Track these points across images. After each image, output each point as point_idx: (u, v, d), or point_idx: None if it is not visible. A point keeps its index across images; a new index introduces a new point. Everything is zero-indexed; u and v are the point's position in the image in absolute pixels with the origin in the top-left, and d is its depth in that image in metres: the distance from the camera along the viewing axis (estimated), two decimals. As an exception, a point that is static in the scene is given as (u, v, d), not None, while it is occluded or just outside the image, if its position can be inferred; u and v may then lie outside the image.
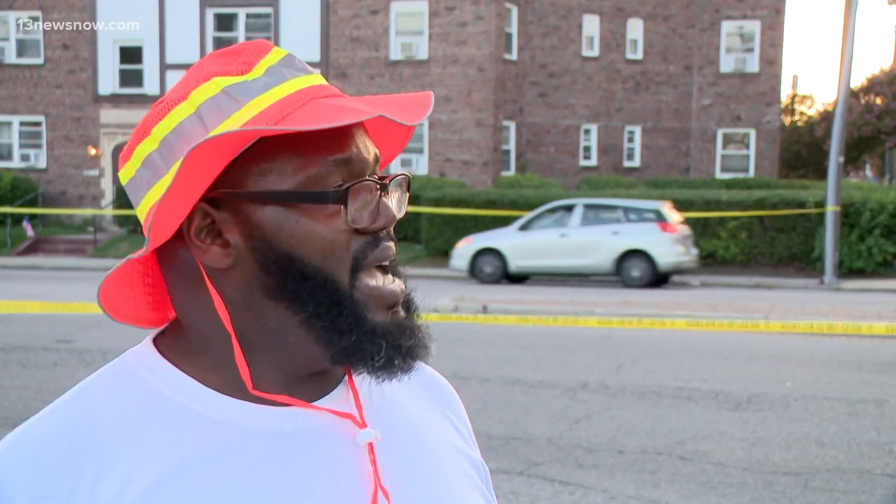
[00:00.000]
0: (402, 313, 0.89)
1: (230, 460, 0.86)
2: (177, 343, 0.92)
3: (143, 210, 0.89)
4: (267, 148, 0.85)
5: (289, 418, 0.89)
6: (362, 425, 0.91)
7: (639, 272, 15.84)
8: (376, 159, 0.91)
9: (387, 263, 0.89)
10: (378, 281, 0.88)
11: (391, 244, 0.89)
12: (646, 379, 7.89)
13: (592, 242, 16.00)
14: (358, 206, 0.87)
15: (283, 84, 0.88)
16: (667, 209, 16.27)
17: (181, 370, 0.90)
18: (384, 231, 0.88)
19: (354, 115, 0.83)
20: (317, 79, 0.91)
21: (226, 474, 0.85)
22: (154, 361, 0.91)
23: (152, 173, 0.87)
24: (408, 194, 0.94)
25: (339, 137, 0.86)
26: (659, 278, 16.06)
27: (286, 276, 0.85)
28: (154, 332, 0.95)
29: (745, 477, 5.37)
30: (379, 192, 0.88)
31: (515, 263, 16.41)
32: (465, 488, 0.98)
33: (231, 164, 0.85)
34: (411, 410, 1.00)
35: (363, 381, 0.96)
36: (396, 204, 0.91)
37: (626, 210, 16.27)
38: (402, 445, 0.95)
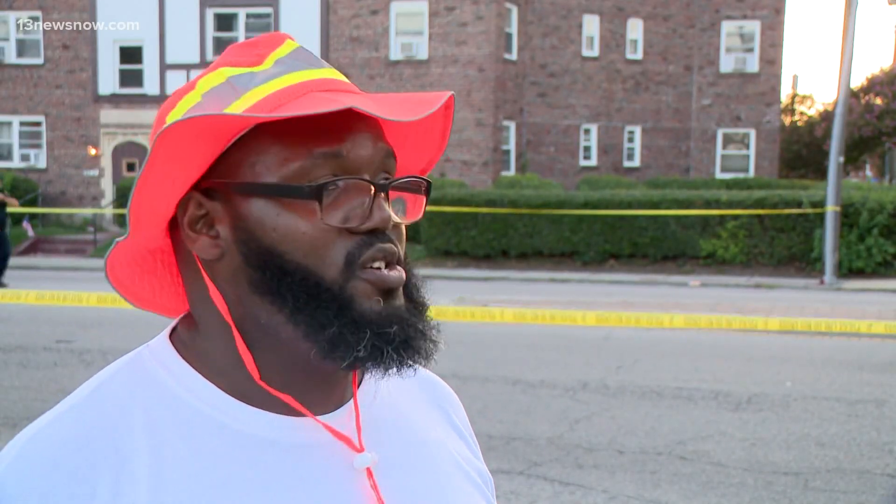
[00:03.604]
0: (398, 302, 0.85)
1: (244, 471, 0.85)
2: (191, 341, 0.91)
3: None
4: (258, 139, 0.84)
5: (298, 431, 0.88)
6: (359, 449, 0.89)
7: None
8: (387, 157, 0.88)
9: (378, 265, 0.85)
10: (376, 271, 0.84)
11: (388, 245, 0.85)
12: (646, 379, 7.89)
13: None
14: (348, 204, 0.84)
15: (286, 75, 0.86)
16: None
17: (195, 369, 0.89)
18: (381, 232, 0.85)
19: (332, 105, 0.80)
20: (327, 72, 0.89)
21: (237, 484, 0.84)
22: (171, 360, 0.90)
23: None
24: (424, 197, 0.91)
25: (330, 131, 0.84)
26: None
27: (266, 270, 0.83)
28: (169, 327, 0.94)
29: (745, 477, 5.37)
30: (374, 191, 0.85)
31: None
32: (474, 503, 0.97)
33: (226, 154, 0.85)
34: (419, 422, 0.98)
35: (372, 395, 0.95)
36: (404, 206, 0.89)
37: None
38: (409, 462, 0.93)
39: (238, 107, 0.85)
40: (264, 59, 0.88)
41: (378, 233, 0.85)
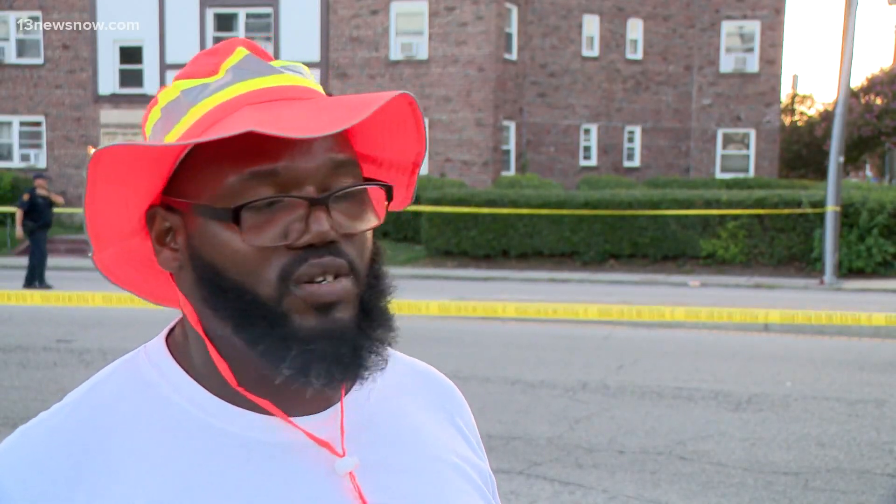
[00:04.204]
0: (339, 315, 0.83)
1: (229, 470, 0.85)
2: (181, 343, 0.92)
3: None
4: (201, 156, 0.84)
5: (282, 431, 0.88)
6: (340, 454, 0.88)
7: None
8: (338, 166, 0.85)
9: (320, 280, 0.82)
10: (311, 286, 0.82)
11: (325, 259, 0.82)
12: (646, 379, 7.89)
13: None
14: (285, 220, 0.82)
15: (229, 87, 0.86)
16: None
17: (185, 370, 0.90)
18: (320, 246, 0.82)
19: (241, 126, 0.77)
20: (275, 79, 0.87)
21: (220, 483, 0.85)
22: (163, 361, 0.91)
23: None
24: (386, 203, 0.88)
25: (266, 148, 0.81)
26: None
27: (211, 286, 0.84)
28: (166, 328, 0.96)
29: (745, 477, 5.37)
30: (308, 206, 0.82)
31: None
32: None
33: (179, 171, 0.86)
34: (418, 422, 0.98)
35: (367, 395, 0.95)
36: (345, 217, 0.84)
37: None
38: (402, 462, 0.93)
39: (184, 123, 0.86)
40: (219, 68, 0.87)
41: (316, 247, 0.83)
